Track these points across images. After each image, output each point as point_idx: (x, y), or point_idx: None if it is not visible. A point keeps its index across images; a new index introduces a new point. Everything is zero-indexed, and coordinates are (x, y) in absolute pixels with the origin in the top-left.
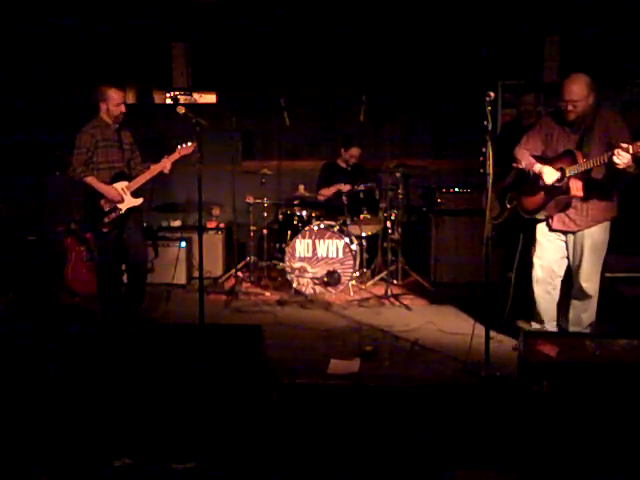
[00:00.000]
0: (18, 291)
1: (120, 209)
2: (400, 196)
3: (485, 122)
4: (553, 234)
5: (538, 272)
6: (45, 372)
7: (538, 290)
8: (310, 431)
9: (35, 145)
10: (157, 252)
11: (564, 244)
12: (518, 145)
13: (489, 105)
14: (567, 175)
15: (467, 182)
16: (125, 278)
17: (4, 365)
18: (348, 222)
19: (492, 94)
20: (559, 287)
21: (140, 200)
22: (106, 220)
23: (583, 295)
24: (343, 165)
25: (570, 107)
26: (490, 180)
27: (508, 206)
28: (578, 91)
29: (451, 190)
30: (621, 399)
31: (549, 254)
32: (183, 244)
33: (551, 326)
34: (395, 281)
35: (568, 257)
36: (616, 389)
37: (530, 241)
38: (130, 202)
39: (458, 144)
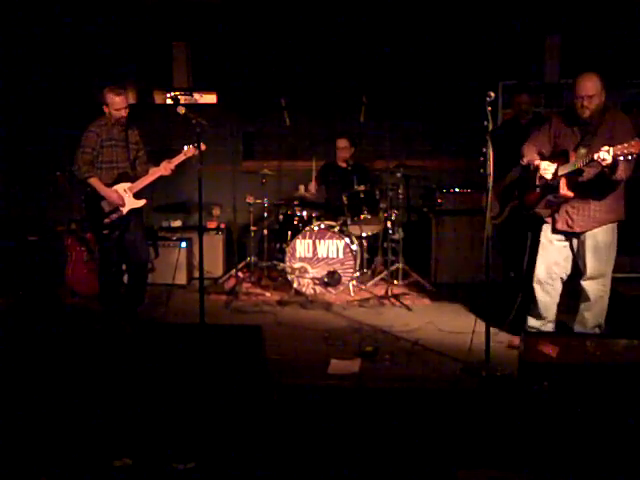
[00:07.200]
0: (18, 291)
1: (121, 211)
2: (400, 196)
3: (485, 122)
4: (556, 236)
5: (539, 272)
6: (45, 372)
7: (538, 290)
8: (310, 431)
9: (35, 145)
10: (157, 252)
11: (567, 246)
12: (527, 141)
13: (489, 105)
14: (559, 174)
15: (467, 182)
16: (125, 278)
17: (4, 365)
18: (348, 222)
19: (492, 94)
20: (559, 289)
21: (142, 202)
22: (107, 221)
23: (585, 297)
24: (343, 165)
25: (586, 102)
26: (490, 180)
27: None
28: (593, 86)
29: (451, 190)
30: (621, 399)
31: (551, 256)
32: (183, 244)
33: (548, 327)
34: (395, 281)
35: (574, 259)
36: (616, 389)
37: (535, 241)
38: (132, 204)
39: (458, 144)
